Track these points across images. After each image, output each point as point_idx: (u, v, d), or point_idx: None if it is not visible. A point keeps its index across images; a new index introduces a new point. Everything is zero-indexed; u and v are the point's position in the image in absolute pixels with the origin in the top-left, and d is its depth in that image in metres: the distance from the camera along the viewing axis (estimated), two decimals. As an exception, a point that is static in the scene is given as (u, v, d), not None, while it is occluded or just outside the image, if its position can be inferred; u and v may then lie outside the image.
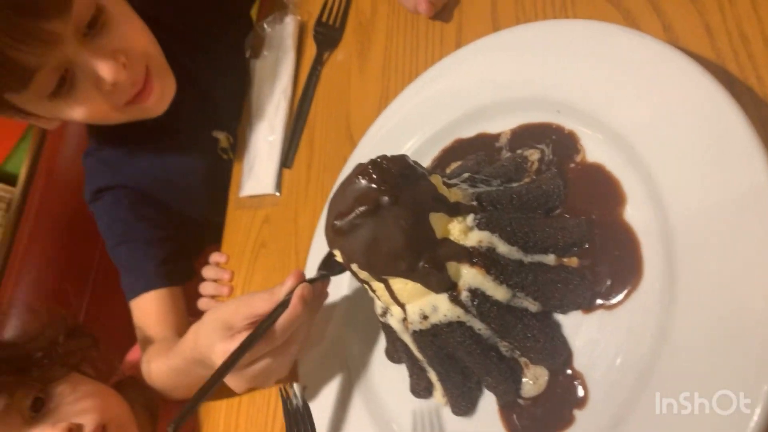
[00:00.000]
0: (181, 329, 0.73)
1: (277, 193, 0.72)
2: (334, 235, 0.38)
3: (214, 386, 0.42)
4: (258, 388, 0.57)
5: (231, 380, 0.48)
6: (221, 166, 0.83)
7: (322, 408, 0.49)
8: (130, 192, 0.78)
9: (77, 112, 0.63)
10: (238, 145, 0.81)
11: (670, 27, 0.39)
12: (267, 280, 0.68)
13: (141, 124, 0.73)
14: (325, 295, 0.50)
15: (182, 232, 0.82)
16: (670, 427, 0.30)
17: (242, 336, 0.44)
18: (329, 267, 0.49)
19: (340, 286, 0.53)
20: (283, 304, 0.44)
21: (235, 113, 0.84)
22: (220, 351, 0.46)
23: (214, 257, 0.76)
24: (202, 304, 0.74)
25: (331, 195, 0.49)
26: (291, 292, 0.45)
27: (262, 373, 0.48)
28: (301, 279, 0.46)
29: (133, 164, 0.79)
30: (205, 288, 0.74)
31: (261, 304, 0.46)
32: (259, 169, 0.74)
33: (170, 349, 0.60)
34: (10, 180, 2.18)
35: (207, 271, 0.75)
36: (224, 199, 0.81)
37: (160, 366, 0.63)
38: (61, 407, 0.60)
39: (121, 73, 0.60)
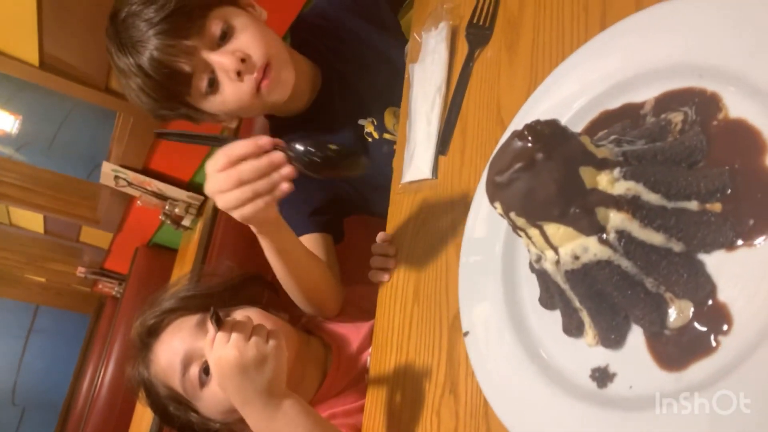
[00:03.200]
0: (333, 272, 0.94)
1: (435, 178, 0.81)
2: (494, 189, 0.45)
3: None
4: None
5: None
6: (366, 148, 1.02)
7: (483, 350, 0.57)
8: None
9: (228, 103, 0.87)
10: (399, 140, 0.93)
11: (814, -13, 0.42)
12: (428, 253, 0.77)
13: (302, 116, 1.00)
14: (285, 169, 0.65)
15: (333, 201, 1.02)
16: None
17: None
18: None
19: (495, 252, 0.61)
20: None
21: (378, 104, 1.03)
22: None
23: (381, 236, 0.87)
24: (371, 275, 0.86)
25: (485, 171, 0.57)
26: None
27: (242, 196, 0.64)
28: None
29: None
30: (375, 262, 0.85)
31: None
32: (418, 159, 0.84)
33: None
34: (198, 189, 2.56)
35: (375, 248, 0.86)
36: (371, 174, 0.95)
37: None
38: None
39: (237, 63, 0.82)
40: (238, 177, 0.63)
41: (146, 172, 2.43)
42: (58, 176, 3.13)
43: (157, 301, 0.85)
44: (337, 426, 0.80)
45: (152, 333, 0.82)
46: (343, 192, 1.04)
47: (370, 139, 1.02)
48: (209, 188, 0.66)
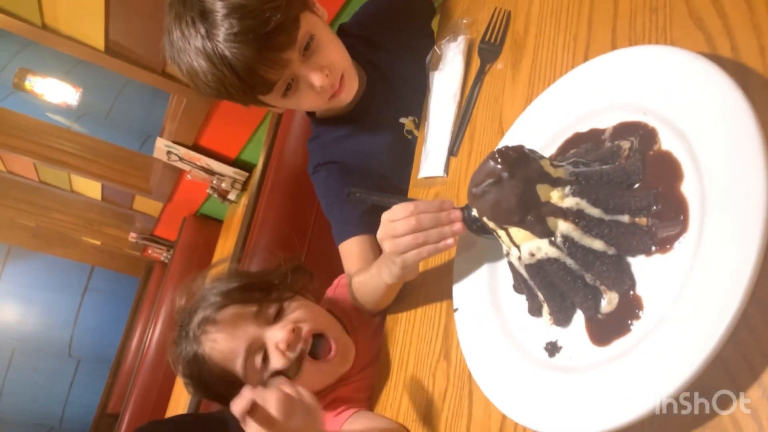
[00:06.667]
0: None
1: (445, 175, 0.93)
2: (472, 197, 0.57)
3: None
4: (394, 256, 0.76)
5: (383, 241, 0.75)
6: (406, 144, 1.09)
7: (468, 324, 0.69)
8: (339, 166, 1.09)
9: (302, 104, 0.98)
10: (418, 140, 1.05)
11: (736, 48, 0.51)
12: (435, 241, 0.90)
13: (347, 116, 1.07)
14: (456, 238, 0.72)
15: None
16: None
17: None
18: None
19: (483, 244, 0.73)
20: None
21: (416, 104, 1.10)
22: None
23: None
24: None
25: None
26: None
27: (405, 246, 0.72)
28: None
29: (341, 145, 1.09)
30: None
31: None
32: (432, 157, 0.96)
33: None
34: (244, 166, 2.73)
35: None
36: (409, 169, 1.05)
37: (359, 277, 0.92)
38: (290, 316, 0.88)
39: (325, 80, 0.91)
40: (416, 223, 0.70)
41: (196, 148, 2.61)
42: (114, 148, 3.36)
43: (207, 289, 0.89)
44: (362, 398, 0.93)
45: (209, 321, 0.85)
46: (384, 191, 1.11)
47: (410, 137, 1.11)
48: (382, 233, 0.74)
